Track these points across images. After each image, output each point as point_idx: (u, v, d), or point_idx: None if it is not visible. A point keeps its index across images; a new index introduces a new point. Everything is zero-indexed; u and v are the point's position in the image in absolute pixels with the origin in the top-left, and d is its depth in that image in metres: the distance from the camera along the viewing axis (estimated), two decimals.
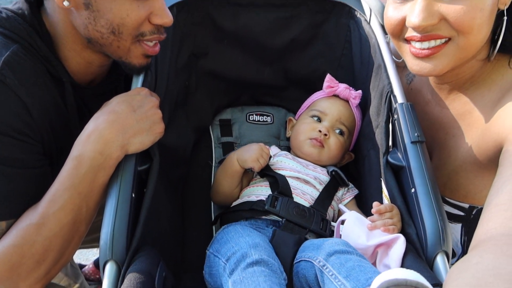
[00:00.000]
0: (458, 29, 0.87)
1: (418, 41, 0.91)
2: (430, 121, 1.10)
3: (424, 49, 0.91)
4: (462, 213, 1.04)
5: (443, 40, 0.90)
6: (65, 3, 0.88)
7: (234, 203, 1.18)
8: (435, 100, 1.11)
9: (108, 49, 0.96)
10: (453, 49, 0.90)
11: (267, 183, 1.18)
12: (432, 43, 0.91)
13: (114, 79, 1.13)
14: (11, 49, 0.88)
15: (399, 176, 0.97)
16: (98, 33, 0.92)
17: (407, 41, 0.96)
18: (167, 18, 0.96)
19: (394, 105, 1.02)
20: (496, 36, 0.93)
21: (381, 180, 1.03)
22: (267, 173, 1.18)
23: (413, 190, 0.90)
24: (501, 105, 0.90)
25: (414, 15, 0.88)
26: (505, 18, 0.91)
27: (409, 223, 0.90)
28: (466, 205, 1.02)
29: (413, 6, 0.89)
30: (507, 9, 0.91)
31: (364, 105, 1.27)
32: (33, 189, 0.89)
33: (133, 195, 0.86)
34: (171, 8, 1.18)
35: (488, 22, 0.88)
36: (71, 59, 0.99)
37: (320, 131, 1.23)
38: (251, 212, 1.11)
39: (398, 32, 0.96)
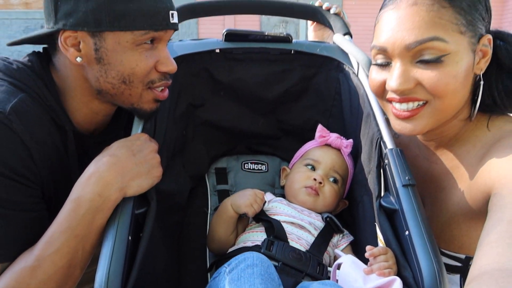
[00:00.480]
0: (433, 94, 0.93)
1: (398, 102, 0.98)
2: (419, 175, 1.13)
3: (404, 110, 0.97)
4: (459, 264, 1.03)
5: (421, 103, 0.96)
6: (78, 59, 0.94)
7: (230, 250, 1.17)
8: (423, 155, 1.15)
9: (119, 98, 1.01)
10: (430, 111, 0.96)
11: (262, 228, 1.18)
12: (410, 104, 0.96)
13: (115, 128, 1.18)
14: (18, 97, 0.92)
15: (393, 220, 0.98)
16: (109, 84, 0.98)
17: (389, 101, 1.02)
18: (172, 66, 1.02)
19: (384, 151, 1.05)
20: (475, 97, 0.99)
21: (375, 225, 1.04)
22: (262, 218, 1.19)
23: (407, 232, 0.90)
24: (486, 160, 0.94)
25: (392, 79, 0.95)
26: (482, 82, 0.97)
27: (405, 266, 0.90)
28: (462, 256, 1.02)
29: (391, 71, 0.96)
30: (483, 74, 0.97)
31: (355, 153, 1.31)
32: (30, 232, 0.89)
33: (130, 238, 0.86)
34: None
35: (462, 87, 0.94)
36: (78, 110, 1.04)
37: (315, 179, 1.25)
38: None
39: (381, 93, 1.03)
